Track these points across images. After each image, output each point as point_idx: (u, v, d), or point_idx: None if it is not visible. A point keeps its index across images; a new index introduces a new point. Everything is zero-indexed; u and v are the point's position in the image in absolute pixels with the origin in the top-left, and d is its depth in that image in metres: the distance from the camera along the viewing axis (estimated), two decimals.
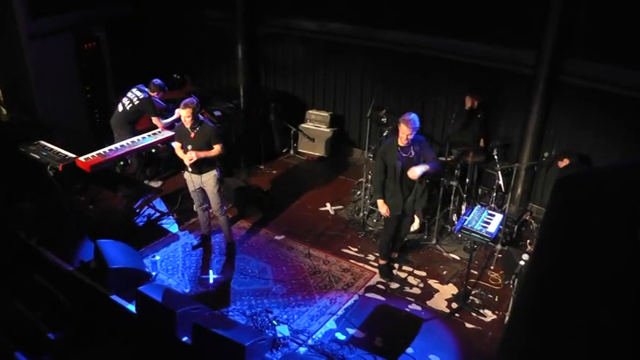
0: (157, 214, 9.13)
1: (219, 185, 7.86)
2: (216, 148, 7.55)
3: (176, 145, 7.68)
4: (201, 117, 7.66)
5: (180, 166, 10.39)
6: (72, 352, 6.20)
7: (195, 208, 8.24)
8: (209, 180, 7.77)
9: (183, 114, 7.39)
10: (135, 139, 8.74)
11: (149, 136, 8.84)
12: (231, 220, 8.78)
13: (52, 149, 8.43)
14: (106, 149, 8.35)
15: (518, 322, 2.39)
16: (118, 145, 8.49)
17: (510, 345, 2.44)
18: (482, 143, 9.28)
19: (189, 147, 7.45)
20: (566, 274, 2.03)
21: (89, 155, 8.17)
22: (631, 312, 1.92)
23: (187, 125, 7.47)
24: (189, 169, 7.66)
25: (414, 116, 7.17)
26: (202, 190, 7.92)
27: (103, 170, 8.34)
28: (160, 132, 9.02)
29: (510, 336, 2.49)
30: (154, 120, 9.20)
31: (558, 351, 2.12)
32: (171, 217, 9.15)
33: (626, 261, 1.91)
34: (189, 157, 7.42)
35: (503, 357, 2.58)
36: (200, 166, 7.66)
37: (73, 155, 8.37)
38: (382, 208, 7.48)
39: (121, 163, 8.52)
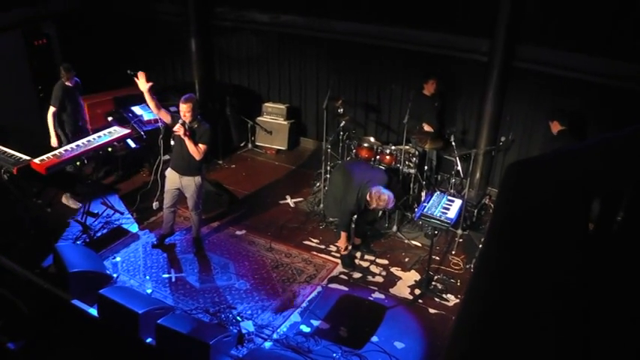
0: (116, 214, 8.99)
1: (199, 191, 7.81)
2: (200, 148, 7.42)
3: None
4: (199, 116, 7.57)
5: (137, 165, 10.39)
6: None
7: (164, 206, 8.14)
8: (189, 185, 7.71)
9: (183, 109, 7.29)
10: (90, 138, 8.60)
11: (105, 134, 8.71)
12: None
13: (5, 152, 8.22)
14: (62, 150, 8.20)
15: (470, 311, 2.41)
16: (73, 145, 8.34)
17: (463, 332, 2.46)
18: (427, 128, 9.31)
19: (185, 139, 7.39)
20: (518, 260, 2.05)
21: (44, 157, 8.01)
22: (584, 300, 1.95)
23: (186, 120, 7.36)
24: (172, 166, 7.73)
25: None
26: (179, 192, 7.86)
27: (58, 172, 8.19)
28: (115, 130, 8.88)
29: (463, 321, 2.51)
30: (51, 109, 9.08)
31: (511, 339, 2.14)
32: (130, 216, 9.03)
33: (579, 245, 1.94)
34: (177, 127, 7.32)
35: (456, 343, 2.60)
36: (184, 167, 7.62)
37: (28, 157, 8.20)
38: (344, 243, 7.80)
39: (77, 163, 8.36)
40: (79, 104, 9.45)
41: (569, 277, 1.95)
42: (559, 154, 2.22)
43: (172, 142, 7.68)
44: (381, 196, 7.22)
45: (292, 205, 9.56)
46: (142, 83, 7.48)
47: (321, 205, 9.27)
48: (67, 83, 9.03)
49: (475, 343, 2.28)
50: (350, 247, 8.11)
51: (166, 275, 7.75)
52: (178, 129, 7.31)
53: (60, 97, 9.00)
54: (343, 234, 7.86)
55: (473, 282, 2.39)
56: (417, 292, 7.54)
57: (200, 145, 7.42)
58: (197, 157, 7.45)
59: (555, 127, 7.85)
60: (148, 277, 7.70)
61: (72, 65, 9.12)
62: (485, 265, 2.26)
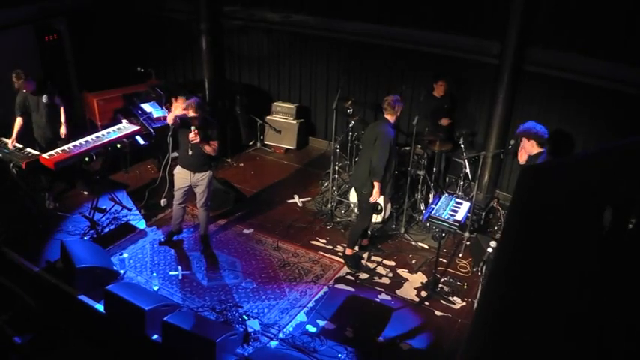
0: (124, 211, 9.01)
1: (210, 186, 7.85)
2: (214, 144, 7.49)
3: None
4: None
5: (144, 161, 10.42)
6: (40, 354, 6.13)
7: (174, 203, 8.16)
8: (202, 180, 7.75)
9: (192, 114, 7.32)
10: (99, 134, 8.63)
11: (114, 131, 8.73)
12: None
13: (14, 146, 8.30)
14: (70, 145, 8.23)
15: (486, 313, 2.41)
16: (82, 141, 8.37)
17: (479, 333, 2.46)
18: (445, 122, 9.38)
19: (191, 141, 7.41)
20: (532, 264, 2.05)
21: (53, 152, 8.06)
22: (599, 301, 1.95)
23: (197, 124, 7.38)
24: (183, 164, 7.75)
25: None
26: (190, 189, 7.89)
27: (67, 167, 8.22)
28: (124, 127, 8.91)
29: (479, 325, 2.51)
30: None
31: (527, 339, 2.14)
32: (138, 213, 9.05)
33: (592, 250, 1.93)
34: (192, 135, 7.33)
35: (472, 346, 2.60)
36: (196, 165, 7.66)
37: (37, 152, 8.26)
38: (378, 195, 7.53)
39: (87, 159, 8.38)
40: (49, 110, 8.87)
41: (582, 280, 1.95)
42: (572, 159, 2.22)
43: (190, 152, 7.68)
44: (395, 107, 7.35)
45: (300, 204, 9.56)
46: (179, 110, 7.50)
47: (329, 205, 9.27)
48: (23, 90, 8.66)
49: (491, 346, 2.28)
50: (379, 199, 7.81)
51: (173, 272, 7.76)
52: (194, 137, 7.33)
53: (19, 105, 8.70)
54: (377, 184, 7.48)
55: (487, 285, 2.39)
56: (424, 294, 7.52)
57: (212, 142, 7.49)
58: (213, 154, 7.58)
59: (531, 148, 6.58)
60: (155, 274, 7.71)
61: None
62: (499, 268, 2.26)
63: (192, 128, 7.35)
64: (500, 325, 2.22)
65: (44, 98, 8.74)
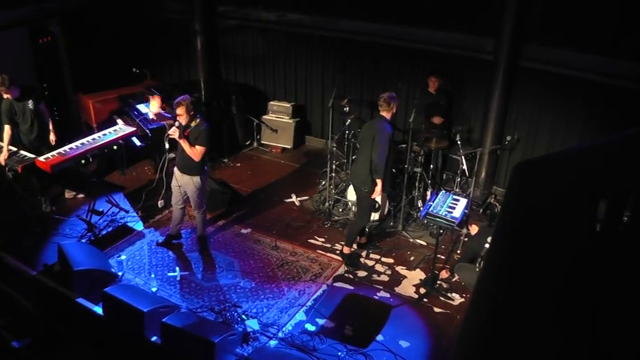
0: (121, 213, 8.99)
1: (199, 191, 7.74)
2: (197, 149, 7.38)
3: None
4: (199, 116, 7.55)
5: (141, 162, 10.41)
6: (38, 358, 6.11)
7: (172, 203, 8.14)
8: (188, 184, 7.69)
9: (177, 112, 7.31)
10: (95, 136, 8.60)
11: (110, 132, 8.71)
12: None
13: (9, 150, 8.28)
14: (66, 148, 8.21)
15: (478, 309, 2.41)
16: (78, 143, 8.34)
17: (471, 330, 2.46)
18: (438, 120, 9.34)
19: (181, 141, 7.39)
20: (526, 260, 2.04)
21: (49, 155, 8.04)
22: (591, 300, 1.94)
23: (182, 122, 7.38)
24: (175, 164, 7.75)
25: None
26: (183, 189, 7.85)
27: (63, 170, 8.20)
28: (120, 128, 8.89)
29: (471, 321, 2.50)
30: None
31: (518, 337, 2.14)
32: (135, 214, 9.03)
33: (586, 247, 1.93)
34: (172, 130, 7.32)
35: (464, 341, 2.60)
36: (182, 165, 7.63)
37: (33, 155, 8.23)
38: (380, 192, 7.54)
39: (83, 161, 8.35)
40: (36, 116, 8.65)
41: (576, 276, 1.95)
42: (566, 154, 2.21)
43: (167, 146, 7.67)
44: (390, 103, 7.38)
45: (297, 203, 9.55)
46: (154, 106, 7.46)
47: (327, 204, 9.27)
48: (6, 96, 8.33)
49: (483, 343, 2.28)
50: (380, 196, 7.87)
51: (172, 273, 7.75)
52: (173, 132, 7.31)
53: (6, 112, 8.39)
54: (379, 181, 7.49)
55: (480, 282, 2.39)
56: (422, 291, 7.53)
57: (197, 147, 7.39)
58: (195, 158, 7.43)
59: None
60: (153, 276, 7.69)
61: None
62: (492, 265, 2.25)
63: (176, 124, 7.35)
64: (492, 322, 2.22)
65: (30, 104, 8.56)
